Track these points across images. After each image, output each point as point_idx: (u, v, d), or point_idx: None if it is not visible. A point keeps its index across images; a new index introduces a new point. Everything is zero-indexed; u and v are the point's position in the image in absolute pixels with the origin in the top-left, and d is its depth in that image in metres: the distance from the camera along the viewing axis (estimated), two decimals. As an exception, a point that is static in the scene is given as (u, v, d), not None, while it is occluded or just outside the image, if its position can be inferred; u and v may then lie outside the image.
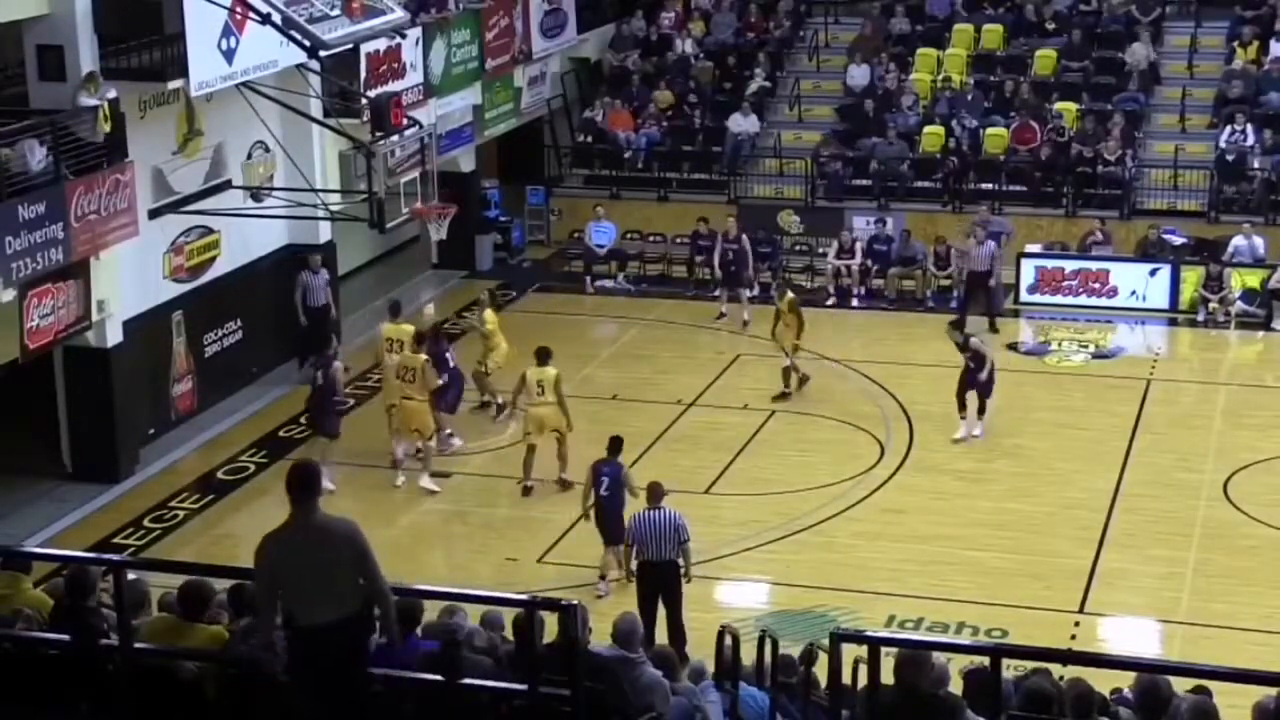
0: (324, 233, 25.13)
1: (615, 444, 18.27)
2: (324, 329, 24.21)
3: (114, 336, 21.00)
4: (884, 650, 8.05)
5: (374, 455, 21.84)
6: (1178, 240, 27.82)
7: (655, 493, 16.74)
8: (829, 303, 27.72)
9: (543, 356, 20.60)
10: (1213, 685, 10.30)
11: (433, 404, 20.98)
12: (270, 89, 22.11)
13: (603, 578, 17.83)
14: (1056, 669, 10.52)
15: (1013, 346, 25.89)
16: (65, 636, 8.77)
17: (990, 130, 29.93)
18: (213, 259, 23.50)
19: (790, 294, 24.14)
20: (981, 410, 21.83)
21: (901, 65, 31.76)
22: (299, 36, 20.02)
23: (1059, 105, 30.22)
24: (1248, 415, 23.07)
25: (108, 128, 19.63)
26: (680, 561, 16.34)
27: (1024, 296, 27.40)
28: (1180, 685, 9.46)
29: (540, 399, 20.45)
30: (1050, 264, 27.41)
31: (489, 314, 23.29)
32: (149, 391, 22.29)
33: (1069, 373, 24.90)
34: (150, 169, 21.74)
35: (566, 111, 32.32)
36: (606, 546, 17.81)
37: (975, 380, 21.75)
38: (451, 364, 22.09)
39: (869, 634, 7.85)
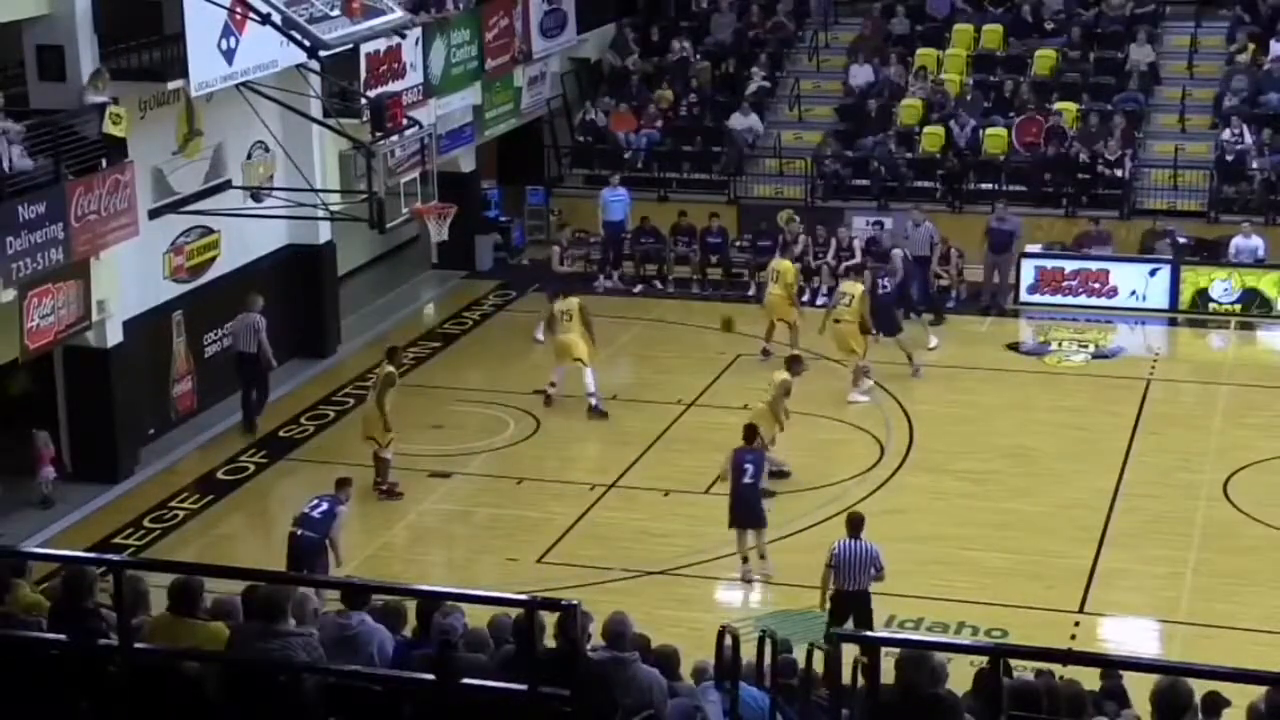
0: (324, 233, 25.15)
1: (749, 432, 18.91)
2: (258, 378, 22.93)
3: (114, 336, 21.00)
4: (883, 650, 8.05)
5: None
6: (1179, 239, 27.83)
7: (854, 523, 16.64)
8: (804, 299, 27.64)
9: (566, 292, 23.37)
10: (1213, 685, 10.30)
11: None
12: (270, 89, 22.11)
13: (745, 560, 18.49)
14: (1056, 669, 10.54)
15: (1013, 346, 25.91)
16: (63, 637, 8.76)
17: (990, 130, 29.93)
18: (213, 259, 23.50)
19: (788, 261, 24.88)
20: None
21: (902, 65, 31.76)
22: (299, 36, 20.03)
23: (1059, 105, 30.22)
24: (1248, 415, 23.06)
25: (117, 132, 19.63)
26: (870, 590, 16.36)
27: (1024, 296, 27.39)
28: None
29: (567, 324, 22.92)
30: (1050, 264, 27.42)
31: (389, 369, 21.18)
32: (149, 391, 22.30)
33: (1069, 373, 24.90)
34: (150, 169, 21.74)
35: (566, 112, 32.33)
36: (744, 530, 18.42)
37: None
38: None
39: (869, 634, 7.84)
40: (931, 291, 26.82)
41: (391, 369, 20.91)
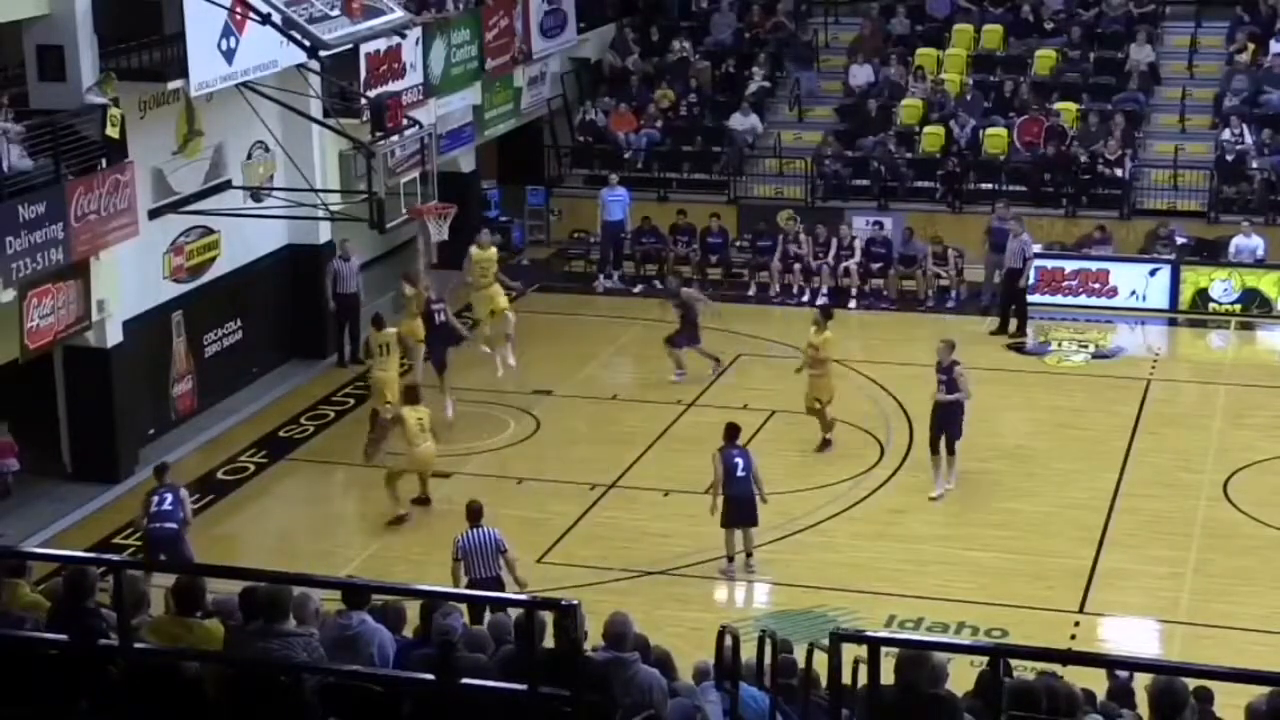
0: (324, 233, 25.14)
1: (733, 431, 18.79)
2: (354, 316, 25.02)
3: (114, 336, 21.00)
4: (883, 650, 8.05)
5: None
6: (1178, 240, 27.84)
7: (474, 512, 16.82)
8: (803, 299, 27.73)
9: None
10: (1212, 685, 10.31)
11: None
12: (270, 89, 22.11)
13: (731, 559, 18.52)
14: (1056, 669, 10.53)
15: (1013, 346, 25.89)
16: (64, 637, 8.77)
17: (990, 130, 29.93)
18: (213, 259, 23.50)
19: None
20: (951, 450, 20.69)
21: (902, 65, 31.77)
22: (299, 37, 20.03)
23: (1059, 105, 30.23)
24: (1248, 415, 23.07)
25: (115, 134, 19.63)
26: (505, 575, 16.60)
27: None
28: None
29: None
30: (1050, 264, 27.41)
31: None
32: (149, 391, 22.30)
33: (1069, 373, 24.90)
34: (150, 169, 21.74)
35: (566, 112, 32.33)
36: (735, 530, 18.51)
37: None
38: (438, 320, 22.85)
39: (869, 634, 7.84)
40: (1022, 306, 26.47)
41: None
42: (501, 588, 16.32)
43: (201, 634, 8.97)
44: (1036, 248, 27.39)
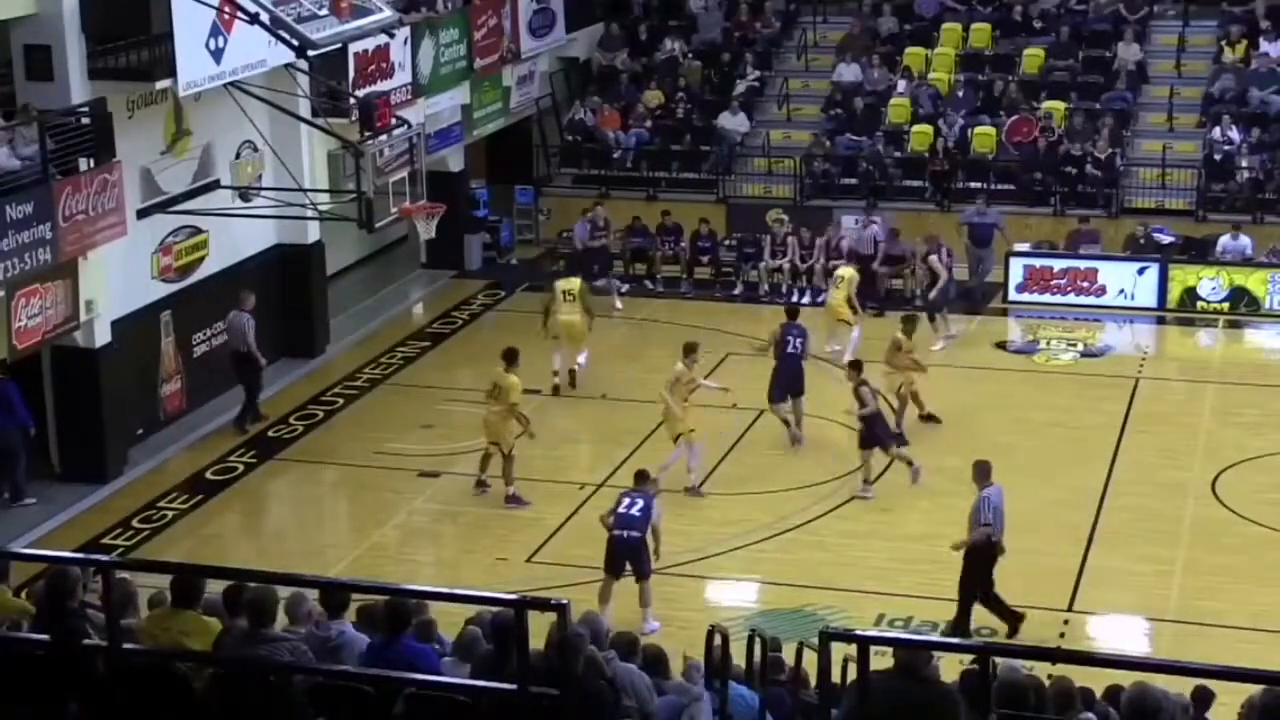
0: (312, 232, 25.12)
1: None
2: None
3: (102, 337, 20.97)
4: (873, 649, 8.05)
5: (366, 455, 21.86)
6: (1166, 239, 27.87)
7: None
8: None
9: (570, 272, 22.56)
10: (1200, 683, 10.31)
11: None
12: (258, 89, 22.08)
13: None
14: (1045, 667, 10.55)
15: (1001, 345, 25.94)
16: (46, 637, 8.75)
17: (979, 129, 29.96)
18: (201, 259, 23.47)
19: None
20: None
21: (890, 64, 31.81)
22: (287, 36, 19.99)
23: (1047, 104, 30.27)
24: (1236, 413, 23.10)
25: None
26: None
27: (1012, 295, 27.43)
28: (1170, 684, 9.45)
29: (570, 304, 23.65)
30: (1039, 262, 27.45)
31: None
32: (137, 392, 22.27)
33: (1057, 371, 24.93)
34: (138, 169, 21.71)
35: (555, 111, 32.32)
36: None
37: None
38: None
39: (858, 633, 7.85)
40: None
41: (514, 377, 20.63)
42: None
43: (197, 626, 8.97)
44: (1025, 246, 27.52)
